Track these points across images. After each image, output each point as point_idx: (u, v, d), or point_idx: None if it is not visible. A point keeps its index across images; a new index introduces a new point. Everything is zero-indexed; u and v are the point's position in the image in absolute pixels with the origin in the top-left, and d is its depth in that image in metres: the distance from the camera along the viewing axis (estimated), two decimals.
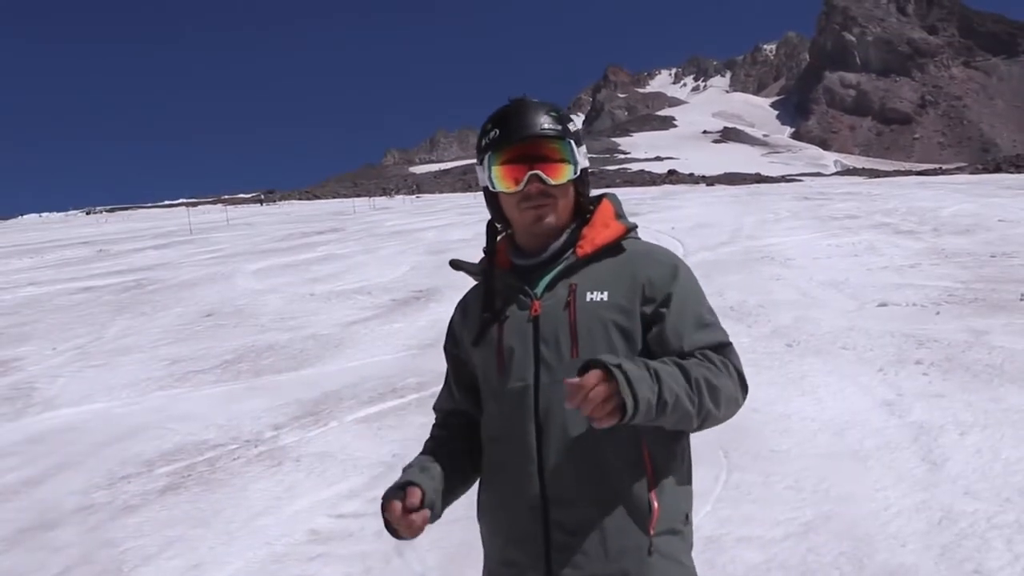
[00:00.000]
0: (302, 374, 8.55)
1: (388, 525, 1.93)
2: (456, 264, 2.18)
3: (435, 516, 1.98)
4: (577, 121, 2.08)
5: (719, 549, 4.17)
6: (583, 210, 2.10)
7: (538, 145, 1.98)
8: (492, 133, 2.01)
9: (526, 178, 1.97)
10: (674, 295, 1.96)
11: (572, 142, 2.01)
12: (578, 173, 2.04)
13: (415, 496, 1.88)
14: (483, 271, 2.11)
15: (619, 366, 1.68)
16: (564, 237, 2.05)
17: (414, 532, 1.90)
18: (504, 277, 2.06)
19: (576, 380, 1.66)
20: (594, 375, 1.67)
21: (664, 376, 1.76)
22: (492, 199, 2.11)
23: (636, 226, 2.12)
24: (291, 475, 5.66)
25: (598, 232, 2.04)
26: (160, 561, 4.51)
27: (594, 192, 2.17)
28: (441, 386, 2.29)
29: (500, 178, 2.01)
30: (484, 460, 2.10)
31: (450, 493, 2.07)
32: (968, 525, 4.21)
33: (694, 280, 2.05)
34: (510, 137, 1.98)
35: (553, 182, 1.98)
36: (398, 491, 1.91)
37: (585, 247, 2.02)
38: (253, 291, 14.72)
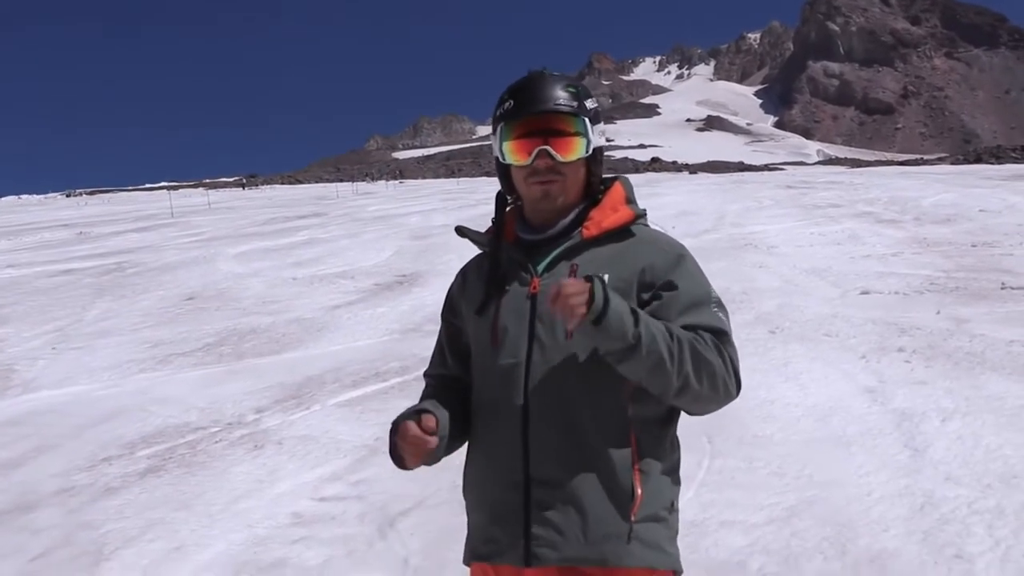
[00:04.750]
0: (284, 358, 8.50)
1: (393, 452, 1.93)
2: (462, 231, 2.17)
3: (438, 455, 1.98)
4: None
5: (702, 533, 4.17)
6: (593, 190, 2.07)
7: (551, 120, 1.95)
8: (507, 104, 1.98)
9: (535, 152, 1.94)
10: (676, 281, 1.94)
11: (587, 119, 1.98)
12: (590, 152, 2.00)
13: (431, 420, 1.89)
14: (490, 242, 2.09)
15: (602, 279, 1.75)
16: (572, 215, 2.03)
17: (419, 455, 1.90)
18: (508, 250, 2.04)
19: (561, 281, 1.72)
20: (575, 280, 1.73)
21: (643, 317, 1.77)
22: (503, 170, 2.08)
23: (645, 212, 2.09)
24: (273, 458, 5.63)
25: (606, 215, 2.01)
26: (141, 543, 4.48)
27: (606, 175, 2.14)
28: (432, 352, 2.27)
29: (511, 151, 1.98)
30: (471, 433, 2.09)
31: (452, 439, 2.05)
32: (950, 510, 4.24)
33: (699, 271, 2.02)
34: (523, 109, 1.95)
35: (562, 159, 1.95)
36: (412, 415, 1.91)
37: (591, 229, 1.99)
38: (235, 275, 14.61)
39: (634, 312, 1.76)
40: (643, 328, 1.74)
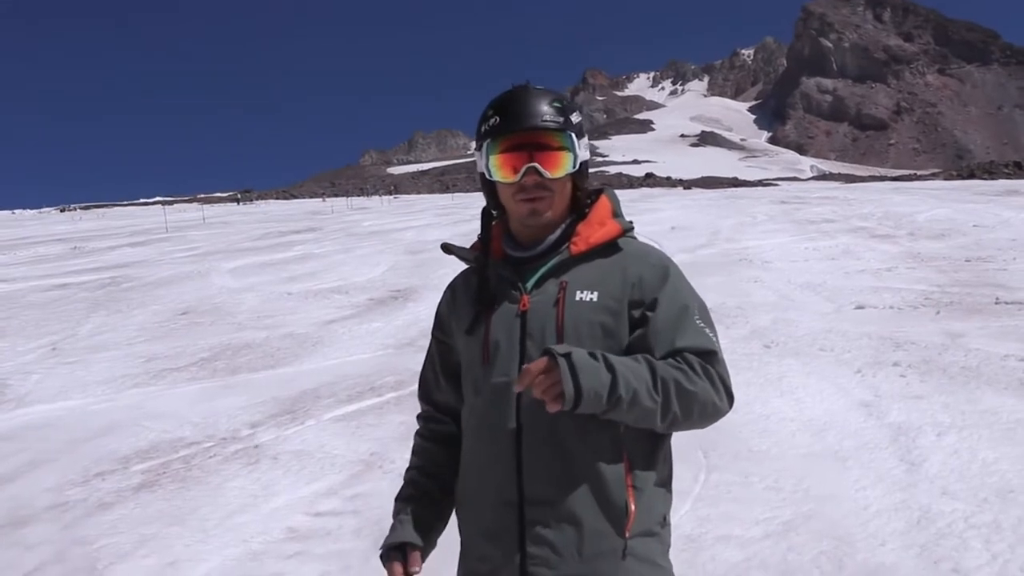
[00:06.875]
0: (279, 372, 8.48)
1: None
2: (448, 248, 2.14)
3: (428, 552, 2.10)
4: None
5: (699, 548, 4.16)
6: (580, 204, 2.05)
7: (538, 136, 1.92)
8: (492, 120, 1.95)
9: (523, 170, 1.91)
10: (660, 299, 1.92)
11: (573, 134, 1.96)
12: (577, 166, 1.98)
13: (417, 564, 2.01)
14: (477, 259, 2.06)
15: (568, 355, 1.71)
16: (559, 231, 2.01)
17: None
18: (496, 267, 2.02)
19: (527, 365, 1.71)
20: (541, 361, 1.70)
21: (621, 370, 1.76)
22: (488, 186, 2.05)
23: (632, 226, 2.07)
24: (268, 473, 5.61)
25: (594, 230, 1.99)
26: (135, 559, 4.45)
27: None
28: (422, 369, 2.25)
29: (497, 167, 1.95)
30: (463, 451, 2.07)
31: (441, 524, 2.16)
32: (946, 525, 4.23)
33: (685, 285, 2.00)
34: (510, 126, 1.92)
35: (551, 175, 1.93)
36: (398, 552, 2.03)
37: (579, 244, 1.97)
38: (229, 289, 14.61)
39: (610, 368, 1.75)
40: (622, 387, 1.74)
